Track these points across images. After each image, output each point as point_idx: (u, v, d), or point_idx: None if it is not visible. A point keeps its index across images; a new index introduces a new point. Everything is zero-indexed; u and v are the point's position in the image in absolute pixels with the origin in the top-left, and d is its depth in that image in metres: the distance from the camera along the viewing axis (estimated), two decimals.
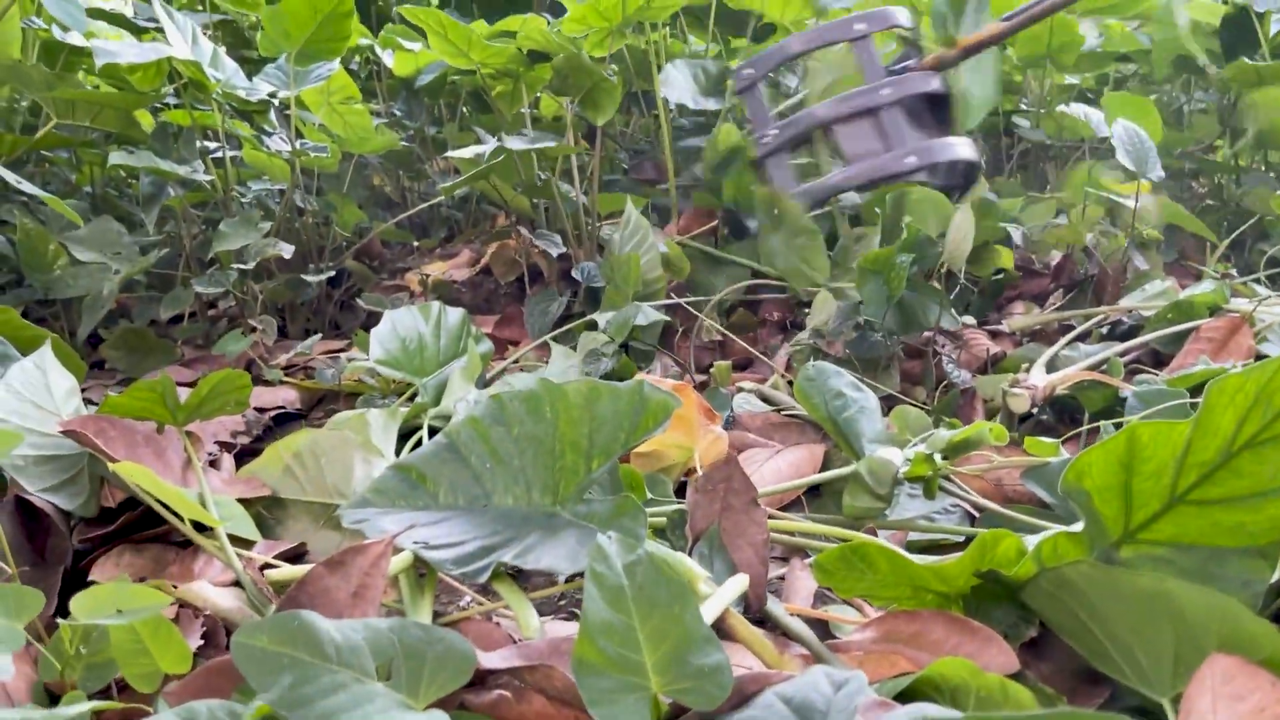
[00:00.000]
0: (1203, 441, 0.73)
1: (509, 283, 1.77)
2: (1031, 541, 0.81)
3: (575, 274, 1.60)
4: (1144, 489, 0.75)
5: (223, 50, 1.72)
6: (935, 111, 1.79)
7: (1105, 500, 0.76)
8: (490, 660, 0.64)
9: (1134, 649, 0.68)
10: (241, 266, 1.46)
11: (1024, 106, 2.99)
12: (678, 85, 1.85)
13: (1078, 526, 0.77)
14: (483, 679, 0.66)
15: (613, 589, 0.63)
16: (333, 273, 1.57)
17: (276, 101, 1.66)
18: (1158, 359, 1.49)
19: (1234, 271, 1.82)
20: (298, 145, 1.55)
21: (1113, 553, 0.78)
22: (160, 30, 2.19)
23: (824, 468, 1.23)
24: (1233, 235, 1.90)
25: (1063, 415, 1.38)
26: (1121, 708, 0.73)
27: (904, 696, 0.71)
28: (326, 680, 0.60)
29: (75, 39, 1.64)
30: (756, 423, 1.33)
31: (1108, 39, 2.97)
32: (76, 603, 0.64)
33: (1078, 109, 1.71)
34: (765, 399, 1.39)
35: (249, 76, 1.84)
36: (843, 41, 1.81)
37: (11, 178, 1.21)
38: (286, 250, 1.46)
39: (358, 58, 2.55)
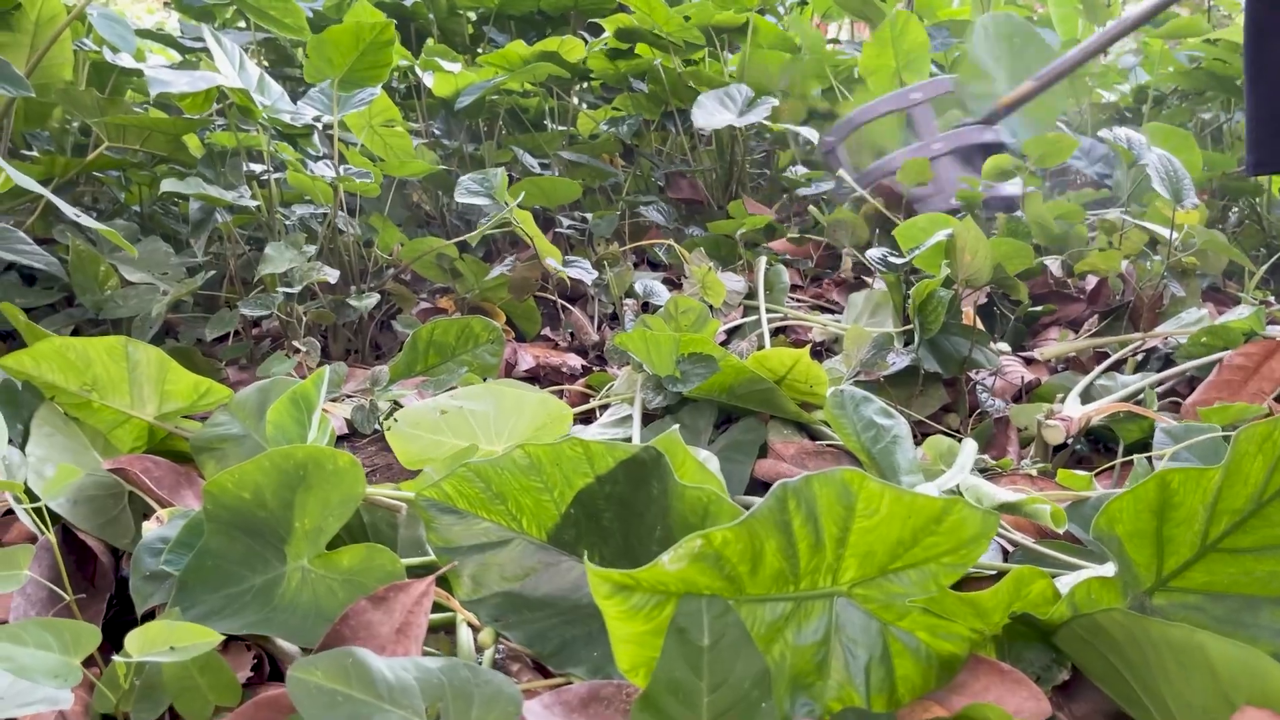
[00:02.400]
0: (1233, 489, 0.74)
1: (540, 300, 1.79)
2: (1064, 583, 0.82)
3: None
4: (1175, 536, 0.76)
5: (267, 75, 1.76)
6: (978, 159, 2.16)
7: (1137, 546, 0.77)
8: (533, 710, 0.66)
9: (1165, 698, 0.69)
10: (287, 290, 1.49)
11: (1061, 127, 2.98)
12: (709, 110, 1.87)
13: (1109, 569, 0.78)
14: None
15: (692, 648, 0.64)
16: (377, 297, 1.59)
17: (320, 126, 1.70)
18: (1194, 388, 1.49)
19: (1272, 299, 1.81)
20: (341, 171, 1.58)
21: (1146, 599, 0.79)
22: (205, 50, 2.25)
23: None
24: (1271, 260, 1.89)
25: (1097, 446, 1.38)
26: None
27: None
28: (378, 718, 0.63)
29: (125, 60, 1.69)
30: (790, 450, 1.34)
31: (1146, 59, 2.95)
32: (131, 640, 0.66)
33: (1120, 133, 1.71)
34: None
35: (292, 94, 1.88)
36: (901, 110, 2.27)
37: (70, 211, 1.25)
38: (332, 275, 1.49)
39: (396, 76, 2.59)
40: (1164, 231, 1.64)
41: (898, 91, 2.30)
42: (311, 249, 1.51)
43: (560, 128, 2.61)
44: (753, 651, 0.63)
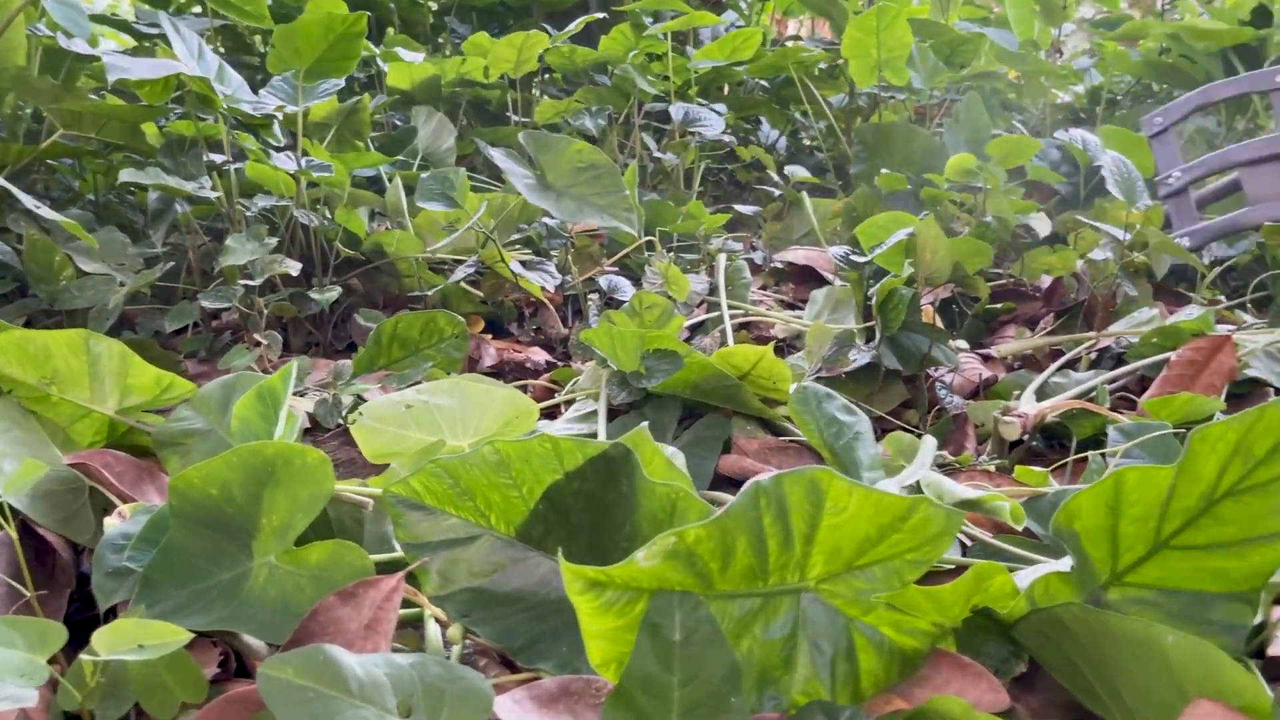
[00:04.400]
0: (1186, 488, 0.76)
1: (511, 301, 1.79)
2: (1022, 578, 0.84)
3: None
4: (1130, 533, 0.78)
5: (225, 63, 1.74)
6: None
7: (1094, 542, 0.79)
8: (504, 706, 0.66)
9: (1121, 690, 0.71)
10: (248, 282, 1.48)
11: (1016, 125, 3.03)
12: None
13: (1066, 564, 0.80)
14: None
15: (665, 643, 0.64)
16: (339, 291, 1.58)
17: (280, 116, 1.68)
18: (1145, 386, 1.52)
19: (1222, 298, 1.86)
20: (303, 164, 1.57)
21: (1101, 594, 0.81)
22: (161, 36, 2.21)
23: None
24: (1224, 264, 1.94)
25: (1052, 442, 1.41)
26: None
27: None
28: (350, 715, 0.63)
29: (80, 46, 1.66)
30: (754, 446, 1.35)
31: (1101, 61, 3.01)
32: (99, 638, 0.66)
33: (1075, 134, 1.74)
34: None
35: (250, 83, 1.86)
36: (1260, 93, 1.98)
37: (29, 201, 1.22)
38: (293, 267, 1.48)
39: (358, 66, 2.57)
40: (1118, 232, 1.68)
41: (1259, 71, 1.98)
42: (273, 241, 1.49)
43: (522, 119, 2.60)
44: (724, 647, 0.64)
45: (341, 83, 1.65)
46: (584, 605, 0.64)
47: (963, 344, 1.61)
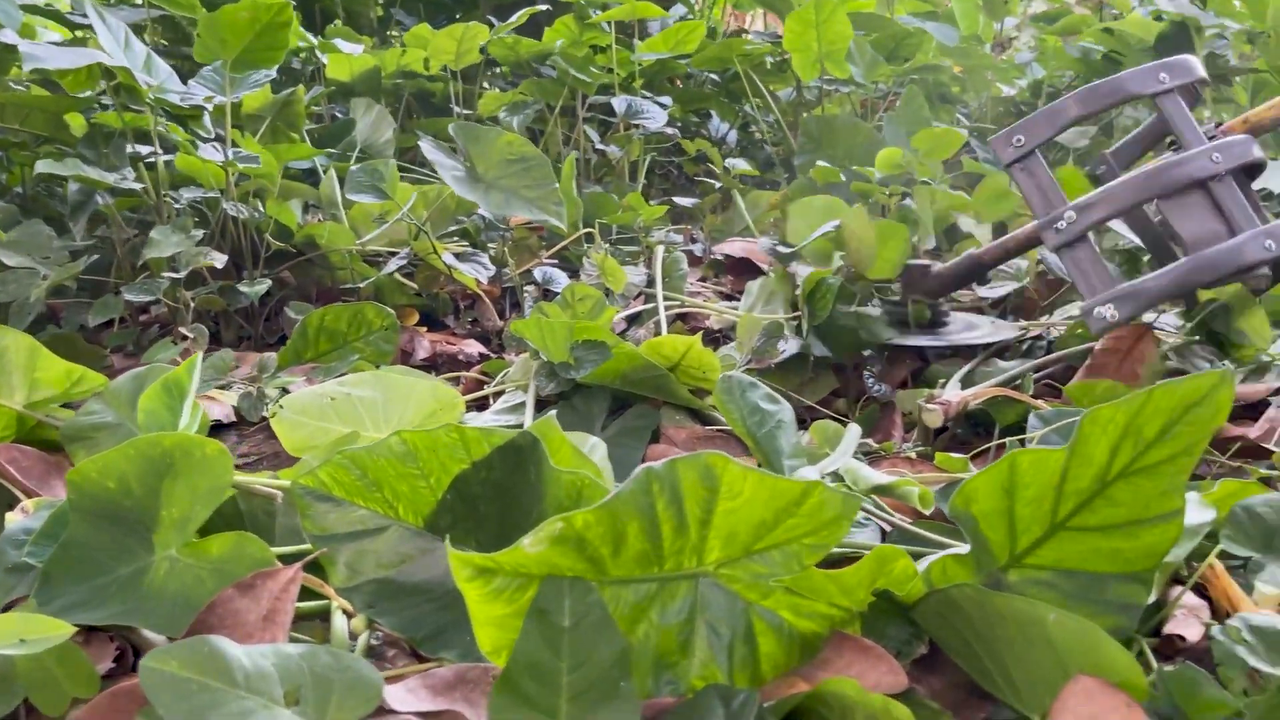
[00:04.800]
0: (1079, 470, 0.78)
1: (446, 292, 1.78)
2: (925, 562, 0.85)
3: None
4: (1026, 515, 0.80)
5: (155, 54, 1.71)
6: (1245, 187, 1.41)
7: (991, 525, 0.80)
8: (396, 695, 0.66)
9: (1010, 668, 0.72)
10: (173, 275, 1.46)
11: (960, 119, 3.06)
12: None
13: (965, 549, 0.81)
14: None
15: (553, 629, 0.64)
16: (269, 283, 1.57)
17: (210, 107, 1.66)
18: (1071, 375, 1.55)
19: None
20: (230, 155, 1.55)
21: (1001, 576, 0.82)
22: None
23: None
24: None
25: (976, 429, 1.43)
26: None
27: (797, 714, 0.74)
28: (234, 706, 0.62)
29: (8, 36, 1.63)
30: (682, 436, 1.36)
31: (1042, 54, 3.05)
32: None
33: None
34: None
35: (191, 74, 1.84)
36: (1141, 98, 1.44)
37: None
38: (219, 259, 1.46)
39: (300, 58, 2.55)
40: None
41: (1138, 70, 1.41)
42: (199, 233, 1.47)
43: (465, 111, 2.59)
44: (614, 632, 0.64)
45: (272, 73, 1.64)
46: (472, 592, 0.64)
47: (893, 334, 1.62)
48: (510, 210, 1.56)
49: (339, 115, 2.50)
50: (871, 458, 1.34)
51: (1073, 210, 1.35)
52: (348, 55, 2.23)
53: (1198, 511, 0.88)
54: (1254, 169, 1.40)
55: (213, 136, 1.73)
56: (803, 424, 1.42)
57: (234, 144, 1.64)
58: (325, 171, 1.82)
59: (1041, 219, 1.38)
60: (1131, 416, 0.76)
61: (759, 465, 1.27)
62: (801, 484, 0.72)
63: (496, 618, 0.65)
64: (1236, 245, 1.28)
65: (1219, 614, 0.89)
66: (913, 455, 1.30)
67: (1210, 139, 1.40)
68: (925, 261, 1.58)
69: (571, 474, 0.81)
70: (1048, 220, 1.37)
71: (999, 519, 0.80)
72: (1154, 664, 0.76)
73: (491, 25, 2.49)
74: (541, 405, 1.37)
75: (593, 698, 0.63)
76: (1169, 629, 0.86)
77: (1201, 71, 1.44)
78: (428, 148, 1.53)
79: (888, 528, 1.13)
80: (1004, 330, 1.59)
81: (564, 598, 0.64)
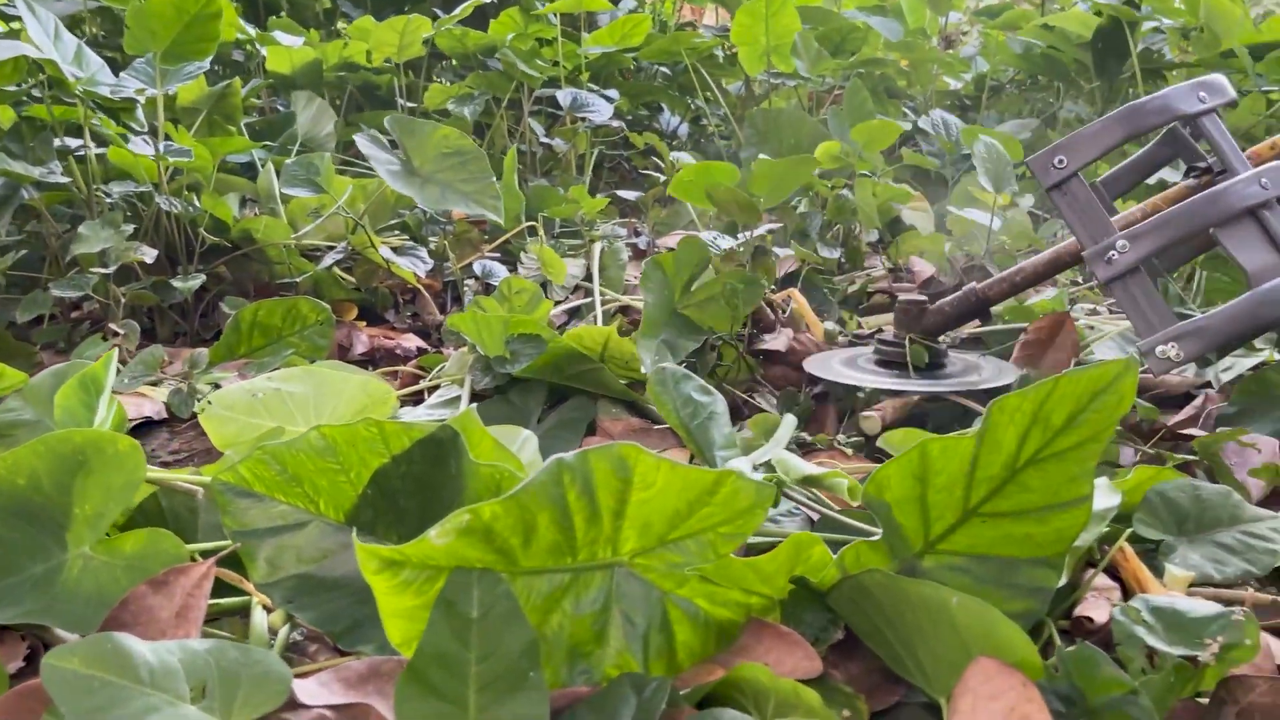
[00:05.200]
0: (989, 457, 0.79)
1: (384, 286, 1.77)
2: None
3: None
4: (939, 501, 0.81)
5: (90, 46, 1.68)
6: None
7: (904, 512, 0.81)
8: (306, 689, 0.66)
9: (918, 652, 0.73)
10: (102, 270, 1.44)
11: (906, 112, 3.09)
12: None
13: (878, 535, 0.82)
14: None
15: (461, 620, 0.65)
16: (202, 278, 1.55)
17: (142, 100, 1.63)
18: None
19: (1080, 279, 1.92)
20: (161, 148, 1.53)
21: (916, 562, 0.84)
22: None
23: None
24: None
25: (912, 422, 1.45)
26: (916, 705, 0.79)
27: (711, 700, 0.75)
28: (138, 703, 0.62)
29: None
30: (618, 428, 1.36)
31: (986, 48, 3.09)
32: None
33: (936, 117, 1.79)
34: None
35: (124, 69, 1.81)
36: (1187, 117, 1.35)
37: None
38: (149, 254, 1.44)
39: (244, 52, 2.51)
40: (983, 218, 1.73)
41: (1179, 87, 1.36)
42: (130, 228, 1.45)
43: (411, 105, 2.57)
44: (522, 623, 0.65)
45: (205, 65, 1.62)
46: (380, 585, 0.64)
47: (832, 326, 1.63)
48: (447, 204, 1.55)
49: (282, 109, 2.47)
50: (807, 449, 1.36)
51: (1124, 240, 1.26)
52: (288, 48, 2.21)
53: (1105, 496, 0.90)
54: None
55: (146, 129, 1.70)
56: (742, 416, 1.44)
57: (167, 137, 1.62)
58: (264, 165, 1.80)
59: (1089, 249, 1.29)
60: (1039, 404, 0.78)
61: (692, 457, 1.28)
62: (714, 474, 0.72)
63: (405, 609, 0.66)
64: None
65: (1130, 596, 0.92)
66: (848, 450, 1.31)
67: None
68: (920, 297, 1.46)
69: (491, 467, 0.81)
70: (1097, 251, 1.28)
71: (912, 506, 0.81)
72: (1058, 645, 0.78)
73: (437, 17, 2.47)
74: (478, 399, 1.37)
75: (501, 688, 0.63)
76: (1079, 611, 0.88)
77: (1232, 93, 1.39)
78: (363, 142, 1.52)
79: (816, 517, 1.15)
80: (1007, 373, 1.42)
81: (472, 589, 0.64)
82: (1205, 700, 0.75)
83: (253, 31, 2.27)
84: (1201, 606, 0.74)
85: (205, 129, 1.88)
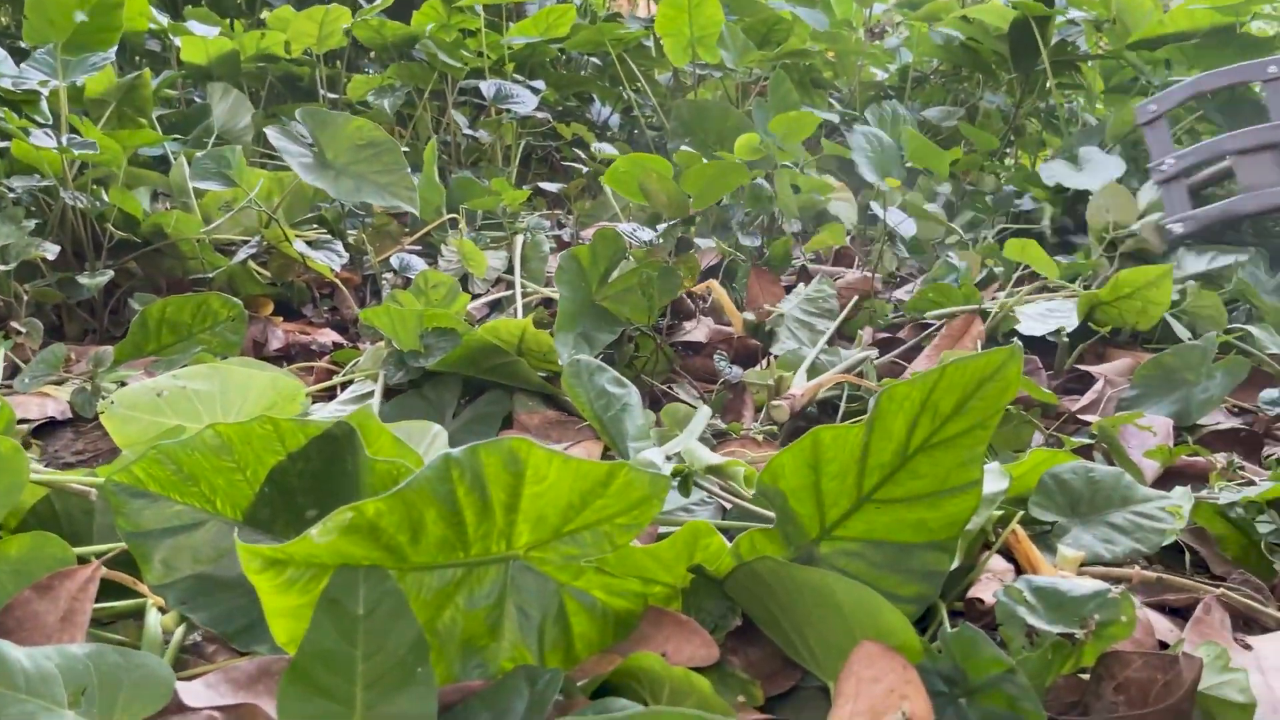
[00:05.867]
0: (880, 445, 0.81)
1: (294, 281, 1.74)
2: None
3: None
4: (833, 489, 0.82)
5: None
6: None
7: (799, 500, 0.83)
8: (191, 691, 0.65)
9: (808, 636, 0.75)
10: (3, 266, 1.40)
11: (833, 103, 3.12)
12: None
13: (772, 524, 0.84)
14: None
15: (347, 617, 0.64)
16: (109, 275, 1.52)
17: (47, 92, 1.59)
18: (916, 356, 1.60)
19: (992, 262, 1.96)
20: (64, 141, 1.49)
21: (813, 549, 0.85)
22: None
23: None
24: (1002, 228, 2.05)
25: (825, 410, 1.47)
26: (813, 688, 0.80)
27: (610, 689, 0.76)
28: (14, 710, 0.61)
29: None
30: (535, 421, 1.36)
31: (909, 40, 3.13)
32: None
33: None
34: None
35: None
36: (1255, 82, 2.00)
37: None
38: (51, 250, 1.41)
39: (161, 43, 2.46)
40: (877, 209, 1.76)
41: (1252, 62, 1.97)
42: (31, 223, 1.42)
43: (334, 96, 2.54)
44: (410, 619, 0.65)
45: (109, 56, 1.58)
46: (263, 584, 0.64)
47: (749, 316, 1.65)
48: (361, 197, 1.53)
49: (199, 100, 2.42)
50: (722, 438, 1.37)
51: (1173, 158, 1.93)
52: (202, 38, 2.16)
53: (995, 481, 0.93)
54: None
55: (51, 122, 1.66)
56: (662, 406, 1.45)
57: (72, 130, 1.58)
58: (177, 158, 1.76)
59: (1153, 162, 1.96)
60: (927, 393, 0.79)
61: (606, 448, 1.28)
62: (607, 466, 0.73)
63: (291, 608, 0.65)
64: None
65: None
66: (758, 438, 1.33)
67: None
68: None
69: (388, 463, 0.81)
70: (1155, 164, 1.95)
71: (806, 494, 0.83)
72: (947, 627, 0.80)
73: (358, 7, 2.44)
74: (392, 394, 1.36)
75: (388, 684, 0.63)
76: (972, 593, 0.90)
77: None
78: (274, 135, 1.50)
79: (728, 505, 1.16)
80: None
81: (358, 586, 0.64)
82: (1087, 676, 0.78)
83: (165, 21, 2.22)
84: (1081, 586, 0.76)
85: (115, 121, 1.84)
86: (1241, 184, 1.85)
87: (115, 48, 1.59)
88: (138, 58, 2.59)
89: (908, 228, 1.93)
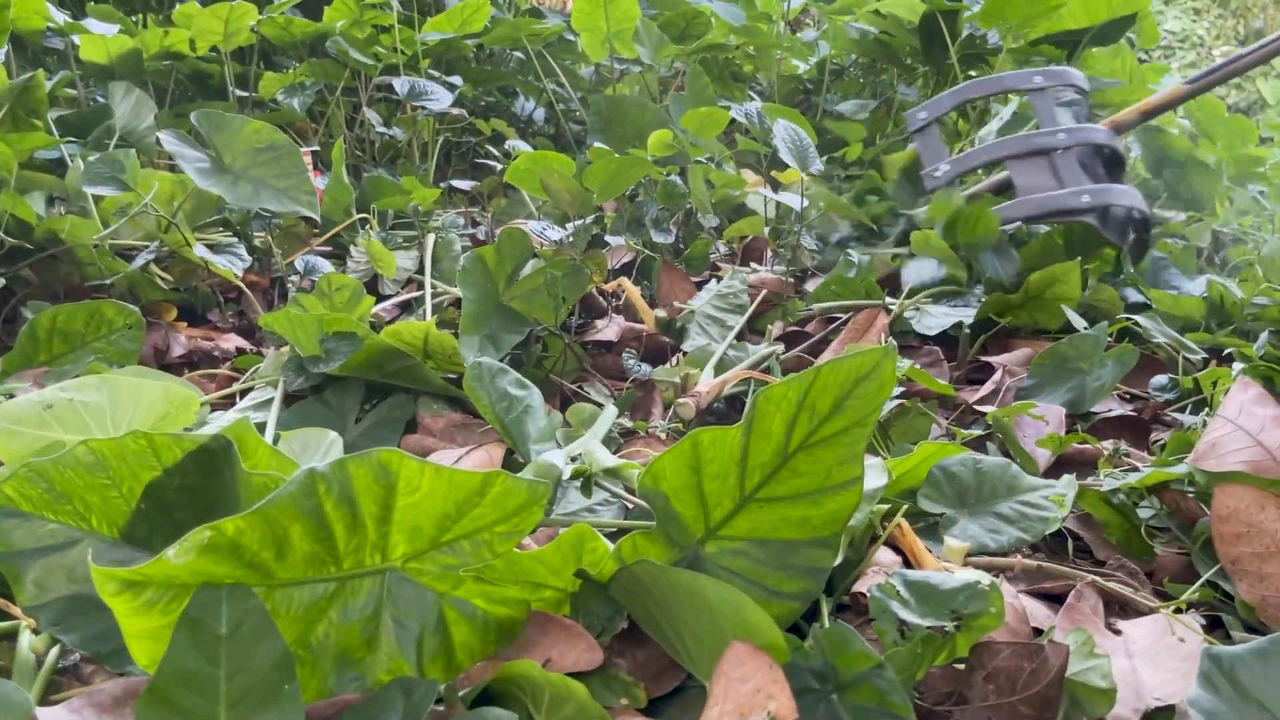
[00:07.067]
0: (759, 445, 0.82)
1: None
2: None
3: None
4: (715, 489, 0.83)
5: None
6: (1109, 170, 1.90)
7: (682, 501, 0.84)
8: (54, 716, 0.64)
9: (685, 637, 0.76)
10: None
11: (753, 97, 3.14)
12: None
13: (653, 525, 0.84)
14: None
15: (209, 637, 0.63)
16: (2, 282, 1.47)
17: None
18: (823, 350, 1.62)
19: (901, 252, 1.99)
20: None
21: (699, 550, 0.86)
22: None
23: (504, 468, 1.27)
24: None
25: (734, 405, 1.48)
26: (698, 688, 0.81)
27: (494, 697, 0.76)
28: None
29: None
30: (439, 424, 1.36)
31: (827, 33, 3.16)
32: None
33: (751, 109, 1.84)
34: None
35: None
36: (1019, 91, 2.04)
37: None
38: None
39: (64, 40, 2.39)
40: (794, 200, 1.78)
41: (1019, 72, 2.06)
42: None
43: (244, 94, 2.49)
44: (275, 636, 0.64)
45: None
46: (120, 607, 0.63)
47: (660, 314, 1.65)
48: (260, 202, 1.51)
49: (102, 100, 2.36)
50: (628, 437, 1.38)
51: (948, 164, 1.93)
52: (102, 36, 2.10)
53: (876, 476, 0.94)
54: (1110, 158, 1.91)
55: None
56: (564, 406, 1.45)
57: None
58: (74, 161, 1.72)
59: (926, 169, 1.94)
60: (803, 393, 0.81)
61: (509, 451, 1.28)
62: (481, 475, 0.73)
63: (151, 630, 0.64)
64: (1058, 195, 1.78)
65: (913, 569, 0.96)
66: (662, 436, 1.33)
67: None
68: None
69: (263, 476, 0.80)
70: (929, 170, 1.93)
71: (689, 495, 0.83)
72: (827, 623, 0.81)
73: (266, 3, 2.39)
74: (293, 400, 1.34)
75: (254, 703, 0.63)
76: (857, 587, 0.92)
77: (1077, 80, 1.97)
78: (168, 139, 1.47)
79: (630, 506, 1.16)
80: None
81: (221, 605, 0.63)
82: (963, 667, 0.80)
83: (61, 20, 2.15)
84: (952, 579, 0.78)
85: (8, 124, 1.78)
86: (1019, 188, 1.85)
87: (3, 48, 1.54)
88: (45, 57, 2.52)
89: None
